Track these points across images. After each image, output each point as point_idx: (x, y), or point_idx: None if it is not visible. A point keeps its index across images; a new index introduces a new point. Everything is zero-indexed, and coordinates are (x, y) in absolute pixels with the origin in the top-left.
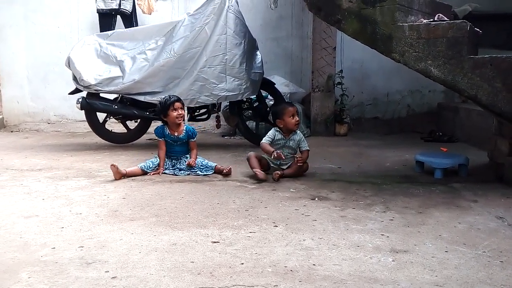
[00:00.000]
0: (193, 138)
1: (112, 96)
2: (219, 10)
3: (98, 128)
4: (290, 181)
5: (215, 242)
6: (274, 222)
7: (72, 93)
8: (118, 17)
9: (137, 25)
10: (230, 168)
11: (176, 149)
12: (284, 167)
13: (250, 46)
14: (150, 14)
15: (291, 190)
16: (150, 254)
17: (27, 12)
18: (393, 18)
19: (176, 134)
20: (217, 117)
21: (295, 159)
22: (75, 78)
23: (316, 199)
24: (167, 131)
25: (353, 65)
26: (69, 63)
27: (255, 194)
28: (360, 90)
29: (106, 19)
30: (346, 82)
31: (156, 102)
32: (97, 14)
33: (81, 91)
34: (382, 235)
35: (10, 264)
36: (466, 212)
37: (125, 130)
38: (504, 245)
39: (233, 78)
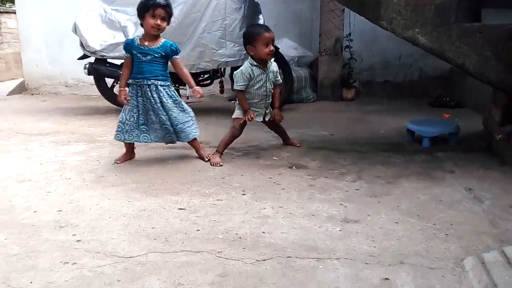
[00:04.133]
0: (176, 54)
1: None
2: None
3: (106, 92)
4: (276, 148)
5: (181, 209)
6: (243, 190)
7: (81, 58)
8: None
9: None
10: (208, 157)
11: (144, 68)
12: (268, 115)
13: (251, 10)
14: None
15: (274, 158)
16: (118, 219)
17: None
18: None
19: (146, 44)
20: (221, 82)
21: (272, 115)
22: (81, 44)
23: (294, 167)
24: (137, 41)
25: (364, 27)
26: (75, 29)
27: (237, 162)
28: (371, 53)
29: None
30: (356, 45)
31: None
32: None
33: (89, 56)
34: (341, 204)
35: None
36: (436, 183)
37: None
38: (458, 217)
39: (233, 44)
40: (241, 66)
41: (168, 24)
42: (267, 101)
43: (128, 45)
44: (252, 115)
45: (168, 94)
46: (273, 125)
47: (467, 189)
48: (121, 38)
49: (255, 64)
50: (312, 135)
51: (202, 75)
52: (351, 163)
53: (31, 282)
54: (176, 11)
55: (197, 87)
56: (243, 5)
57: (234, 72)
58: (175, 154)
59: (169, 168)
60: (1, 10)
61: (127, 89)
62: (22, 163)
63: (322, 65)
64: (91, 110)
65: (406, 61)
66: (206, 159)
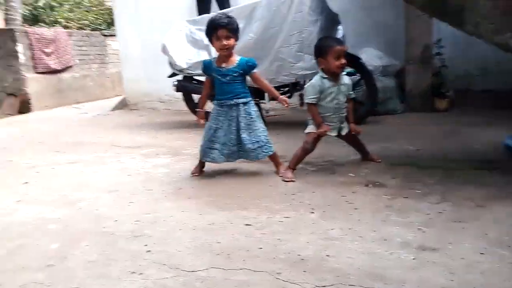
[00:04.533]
0: (253, 69)
1: None
2: None
3: (193, 108)
4: (354, 164)
5: (248, 225)
6: (313, 209)
7: (170, 76)
8: (214, 0)
9: (229, 7)
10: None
11: (225, 89)
12: (344, 130)
13: (329, 22)
14: None
15: (350, 174)
16: (188, 232)
17: (137, 1)
18: None
19: (224, 65)
20: (300, 95)
21: (350, 127)
22: (170, 63)
23: (370, 185)
24: (215, 64)
25: (457, 31)
26: (164, 49)
27: (310, 177)
28: (466, 59)
29: (203, 4)
30: (448, 50)
31: None
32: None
33: (177, 74)
34: (419, 229)
35: (79, 234)
36: None
37: None
38: None
39: (311, 56)
40: None
41: (236, 39)
42: (340, 115)
43: (206, 67)
44: (326, 129)
45: (247, 112)
46: (350, 139)
47: None
48: (205, 56)
49: (326, 76)
50: (395, 150)
51: (281, 89)
52: (436, 182)
53: None
54: (254, 27)
55: (283, 96)
56: (320, 17)
57: (305, 85)
58: (251, 167)
59: (242, 182)
60: (106, 34)
61: (205, 109)
62: (114, 174)
63: (409, 74)
64: (179, 125)
65: (508, 67)
66: (280, 175)
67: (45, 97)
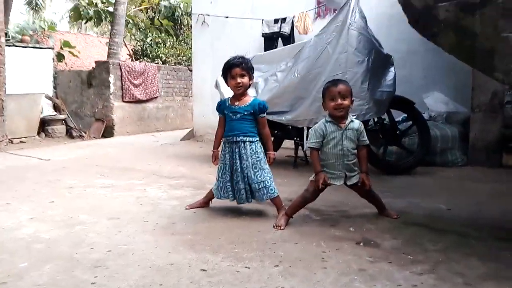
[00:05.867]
0: (263, 112)
1: None
2: (341, 28)
3: None
4: (364, 218)
5: (203, 270)
6: (280, 262)
7: None
8: (280, 39)
9: None
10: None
11: (234, 126)
12: (352, 179)
13: (378, 63)
14: (306, 34)
15: (350, 229)
16: (142, 270)
17: (213, 40)
18: (496, 28)
19: (236, 104)
20: None
21: (360, 178)
22: (221, 99)
23: (362, 244)
24: (228, 102)
25: None
26: (216, 86)
27: (306, 227)
28: None
29: (270, 42)
30: None
31: (282, 121)
32: (262, 38)
33: None
34: None
35: (51, 256)
36: None
37: None
38: None
39: (354, 98)
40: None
41: (250, 79)
42: (345, 162)
43: (220, 106)
44: (322, 178)
45: (253, 150)
46: (362, 191)
47: None
48: (253, 94)
49: (330, 120)
50: (422, 208)
51: None
52: (438, 250)
53: None
54: (300, 66)
55: (272, 153)
56: (366, 58)
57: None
58: (252, 208)
59: (233, 223)
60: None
61: (219, 149)
62: (129, 202)
63: (474, 124)
64: None
65: None
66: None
67: (128, 123)
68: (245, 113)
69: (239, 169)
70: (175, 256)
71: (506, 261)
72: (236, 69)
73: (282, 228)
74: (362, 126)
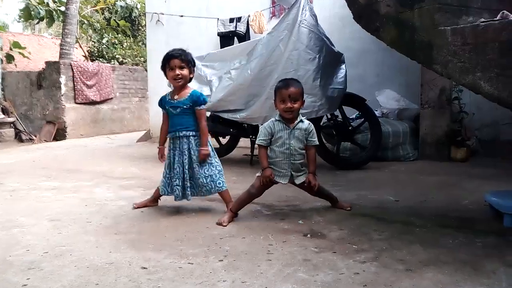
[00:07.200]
0: (200, 104)
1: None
2: (292, 26)
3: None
4: (315, 211)
5: (144, 268)
6: (225, 256)
7: None
8: (236, 38)
9: None
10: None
11: (175, 121)
12: (299, 179)
13: (329, 61)
14: (261, 33)
15: (299, 222)
16: (79, 270)
17: (168, 39)
18: (433, 21)
19: (176, 98)
20: None
21: (306, 178)
22: None
23: (309, 235)
24: (168, 96)
25: None
26: (169, 84)
27: (255, 222)
28: (493, 105)
29: (226, 41)
30: (473, 95)
31: (236, 119)
32: (218, 37)
33: None
34: None
35: None
36: (475, 279)
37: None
38: None
39: (306, 95)
40: (314, 118)
41: (190, 72)
42: (291, 161)
43: (161, 102)
44: (268, 174)
45: (199, 145)
46: (310, 189)
47: None
48: (207, 92)
49: (278, 119)
50: (371, 200)
51: None
52: (384, 238)
53: None
54: (253, 63)
55: (204, 149)
56: (318, 55)
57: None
58: (201, 205)
59: (181, 221)
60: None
61: (165, 147)
62: (74, 203)
63: (424, 120)
64: None
65: None
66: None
67: (81, 126)
68: (185, 106)
69: (186, 165)
70: (115, 255)
71: (447, 246)
72: (174, 60)
73: (224, 224)
74: (312, 126)
